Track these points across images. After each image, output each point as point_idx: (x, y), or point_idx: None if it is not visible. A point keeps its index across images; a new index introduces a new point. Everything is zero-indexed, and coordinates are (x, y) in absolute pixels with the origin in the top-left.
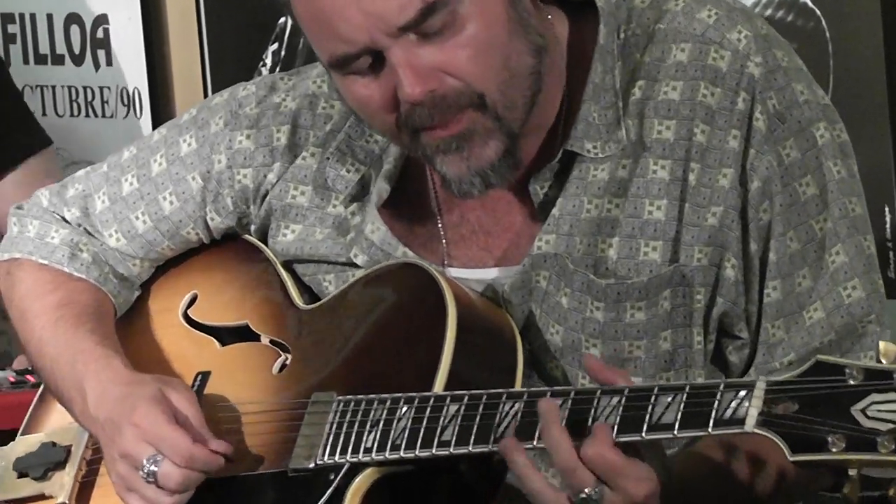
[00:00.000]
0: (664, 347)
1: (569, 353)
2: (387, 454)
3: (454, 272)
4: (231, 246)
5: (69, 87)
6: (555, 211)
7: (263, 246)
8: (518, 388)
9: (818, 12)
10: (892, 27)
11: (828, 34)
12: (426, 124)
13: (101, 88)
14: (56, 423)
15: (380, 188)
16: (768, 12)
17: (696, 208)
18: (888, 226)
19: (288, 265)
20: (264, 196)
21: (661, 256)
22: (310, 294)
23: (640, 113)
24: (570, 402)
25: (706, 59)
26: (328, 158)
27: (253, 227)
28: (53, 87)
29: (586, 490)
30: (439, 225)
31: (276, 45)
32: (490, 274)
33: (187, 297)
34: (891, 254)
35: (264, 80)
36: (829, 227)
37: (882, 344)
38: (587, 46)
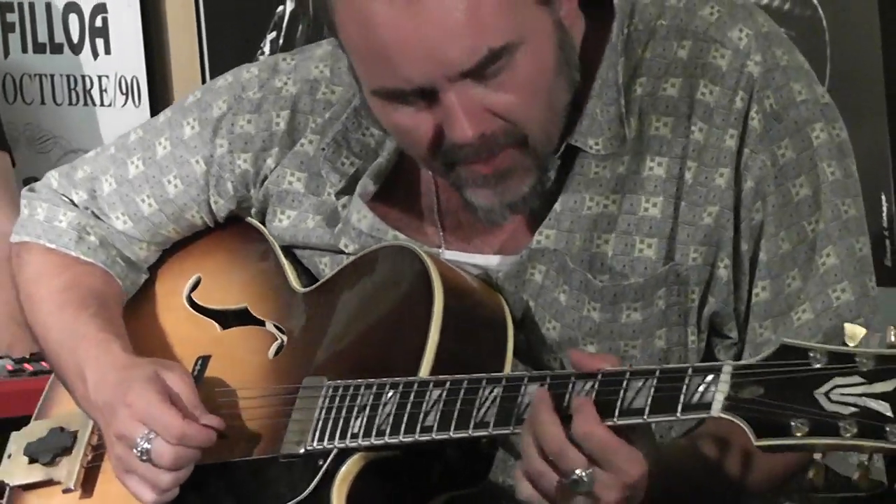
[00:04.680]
0: (659, 346)
1: (567, 348)
2: (372, 440)
3: (449, 254)
4: (234, 229)
5: (68, 76)
6: (556, 206)
7: (263, 228)
8: (508, 368)
9: (815, 1)
10: (889, 15)
11: (825, 22)
12: (470, 161)
13: (99, 77)
14: (65, 408)
15: (364, 183)
16: (765, 1)
17: (693, 207)
18: (885, 214)
19: (287, 248)
20: (263, 180)
21: (657, 254)
22: (308, 276)
23: (641, 110)
24: (546, 387)
25: (706, 57)
26: (324, 149)
27: (253, 211)
28: (52, 76)
29: (577, 472)
30: (436, 213)
31: (274, 34)
32: (488, 261)
33: (191, 281)
34: (887, 242)
35: (267, 62)
36: (820, 228)
37: (848, 326)
38: (599, 43)
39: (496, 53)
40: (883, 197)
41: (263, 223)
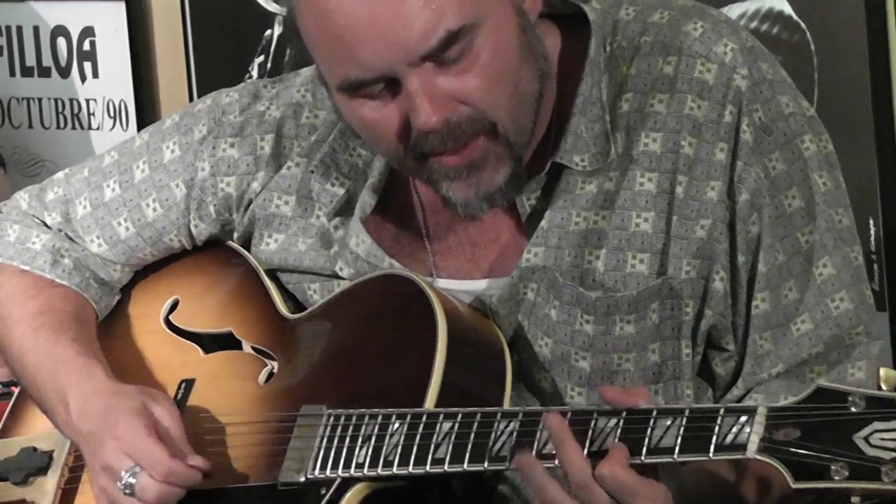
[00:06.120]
0: (652, 359)
1: (558, 365)
2: (379, 470)
3: (442, 283)
4: (212, 252)
5: (55, 100)
6: (543, 223)
7: (246, 252)
8: (507, 397)
9: (803, 25)
10: (877, 40)
11: (813, 47)
12: (438, 150)
13: (87, 101)
14: (37, 429)
15: (363, 201)
16: (753, 24)
17: (684, 221)
18: (872, 238)
19: (271, 273)
20: (248, 204)
21: (649, 269)
22: (294, 302)
23: (628, 126)
24: (566, 422)
25: (693, 73)
26: (313, 171)
27: (236, 235)
28: (40, 100)
29: None
30: (425, 237)
31: (262, 58)
32: (478, 285)
33: (168, 303)
34: (875, 266)
35: (247, 88)
36: (815, 239)
37: (882, 370)
38: (577, 59)
39: (454, 35)
40: (871, 221)
41: (248, 247)
